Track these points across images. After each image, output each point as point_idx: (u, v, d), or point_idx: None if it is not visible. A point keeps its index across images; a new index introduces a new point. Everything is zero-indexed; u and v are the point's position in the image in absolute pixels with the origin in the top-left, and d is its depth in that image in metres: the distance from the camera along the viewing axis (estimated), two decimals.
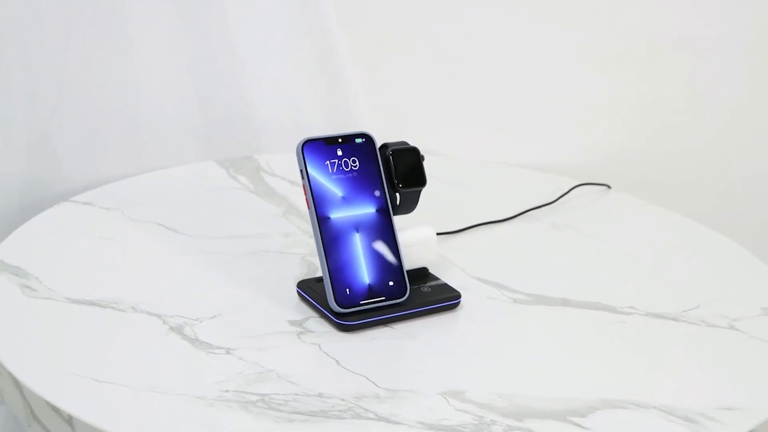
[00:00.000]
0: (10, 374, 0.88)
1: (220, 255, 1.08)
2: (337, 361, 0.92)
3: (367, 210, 0.98)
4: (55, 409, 0.84)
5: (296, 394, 0.87)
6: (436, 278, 1.03)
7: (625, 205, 1.27)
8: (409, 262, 1.02)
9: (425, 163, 1.04)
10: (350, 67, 1.38)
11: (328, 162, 0.98)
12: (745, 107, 1.33)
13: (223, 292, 1.01)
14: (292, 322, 0.97)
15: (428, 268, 1.04)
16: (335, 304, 0.95)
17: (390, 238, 0.99)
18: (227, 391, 0.87)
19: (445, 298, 1.00)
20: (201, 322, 0.96)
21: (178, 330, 0.95)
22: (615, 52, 1.35)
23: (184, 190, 1.23)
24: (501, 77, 1.39)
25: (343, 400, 0.87)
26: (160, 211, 1.17)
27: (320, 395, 0.87)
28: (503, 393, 0.89)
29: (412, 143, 1.39)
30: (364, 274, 0.97)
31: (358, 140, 0.99)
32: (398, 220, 1.02)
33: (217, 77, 1.35)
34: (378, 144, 1.01)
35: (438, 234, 1.13)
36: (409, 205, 1.02)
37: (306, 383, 0.89)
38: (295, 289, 1.01)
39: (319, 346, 0.94)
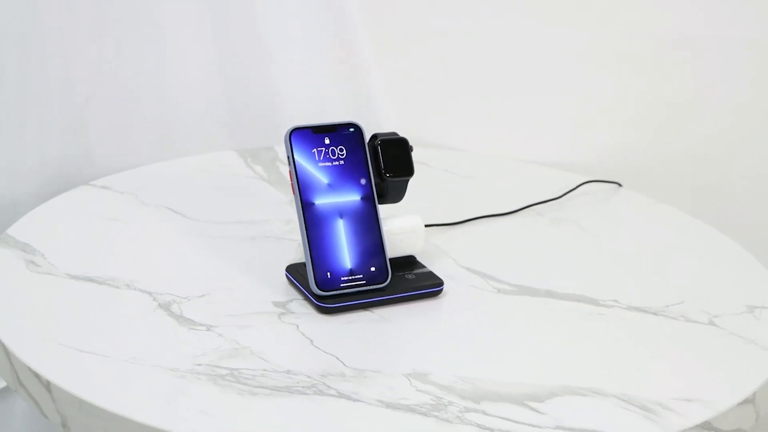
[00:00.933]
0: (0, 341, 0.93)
1: (221, 238, 1.12)
2: (311, 341, 0.96)
3: (352, 197, 1.01)
4: (36, 376, 0.89)
5: (265, 370, 0.91)
6: (423, 266, 1.06)
7: (632, 203, 1.28)
8: (396, 250, 1.05)
9: (414, 154, 1.06)
10: (372, 61, 1.41)
11: (315, 150, 1.01)
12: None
13: (216, 273, 1.06)
14: (276, 304, 1.01)
15: (416, 256, 1.07)
16: (315, 287, 0.99)
17: (374, 225, 1.02)
18: (200, 364, 0.91)
19: (427, 285, 1.03)
20: (189, 300, 1.00)
21: (165, 307, 0.99)
22: (636, 50, 1.36)
23: (200, 177, 1.28)
24: (521, 74, 1.41)
25: (309, 377, 0.90)
26: (173, 196, 1.21)
27: (288, 372, 0.91)
28: (466, 376, 0.91)
29: (431, 137, 1.43)
30: (346, 258, 1.00)
31: (347, 130, 1.02)
32: (388, 209, 1.06)
33: (243, 70, 1.39)
34: (368, 134, 1.04)
35: (437, 225, 1.16)
36: (396, 194, 1.05)
37: (277, 360, 0.92)
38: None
39: (297, 326, 0.98)
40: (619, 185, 1.32)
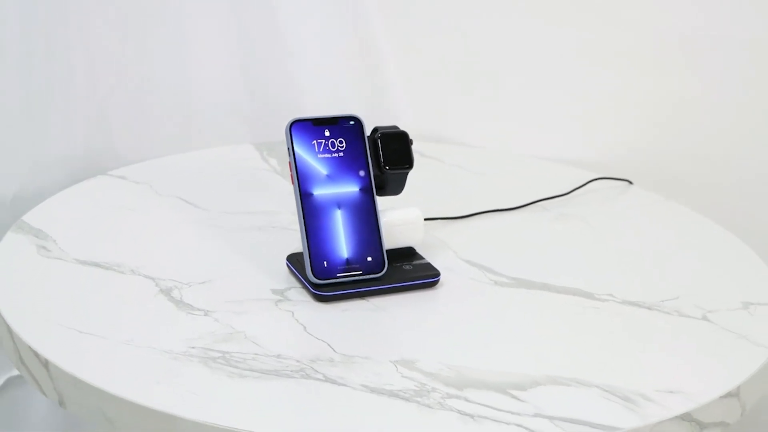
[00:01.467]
0: (5, 322, 0.97)
1: (228, 228, 1.15)
2: (304, 327, 0.98)
3: (350, 189, 1.04)
4: (36, 354, 0.92)
5: (256, 354, 0.93)
6: (421, 257, 1.08)
7: (641, 200, 1.29)
8: (396, 242, 1.07)
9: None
10: (389, 58, 1.44)
11: (315, 141, 1.03)
12: None
13: (220, 261, 1.08)
14: (275, 291, 1.03)
15: (416, 248, 1.09)
16: (312, 275, 1.01)
17: (372, 216, 1.04)
18: (194, 347, 0.94)
19: (423, 276, 1.05)
20: (190, 286, 1.03)
21: (166, 292, 1.02)
22: (651, 47, 1.37)
23: (215, 169, 1.31)
24: (537, 72, 1.42)
25: (298, 361, 0.92)
26: (186, 186, 1.24)
27: (278, 356, 0.93)
28: (453, 364, 0.93)
29: (446, 133, 1.45)
30: (343, 248, 1.02)
31: (347, 122, 1.05)
32: (390, 201, 1.08)
33: (263, 65, 1.42)
34: (368, 127, 1.06)
35: (437, 219, 1.18)
36: (396, 186, 1.07)
37: (269, 345, 0.95)
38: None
39: (293, 313, 1.00)
40: (630, 183, 1.32)
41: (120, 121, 1.37)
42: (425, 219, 1.11)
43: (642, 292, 1.07)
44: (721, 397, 0.91)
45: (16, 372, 1.29)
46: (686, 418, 0.89)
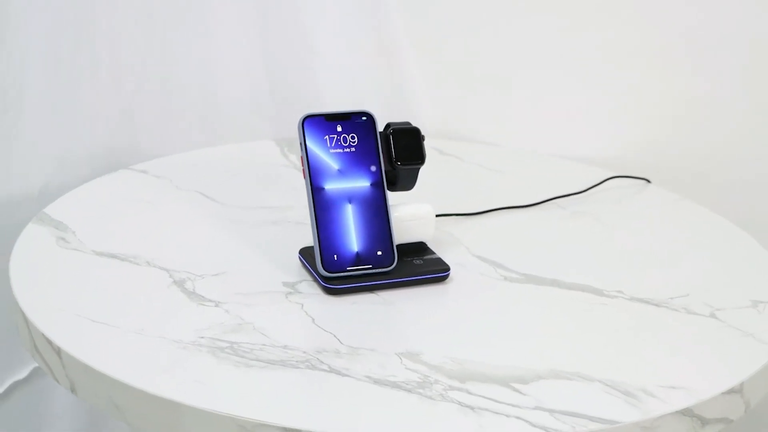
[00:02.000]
0: (21, 311, 0.99)
1: (244, 222, 1.17)
2: (313, 319, 0.99)
3: (361, 183, 1.05)
4: (49, 342, 0.94)
5: (263, 345, 0.95)
6: (432, 252, 1.09)
7: (658, 199, 1.29)
8: (406, 237, 1.08)
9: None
10: (410, 55, 1.45)
11: (327, 137, 1.05)
12: None
13: (234, 254, 1.10)
14: (286, 284, 1.05)
15: (427, 244, 1.10)
16: (322, 268, 1.02)
17: (382, 210, 1.05)
18: (203, 337, 0.95)
19: (433, 271, 1.06)
20: (204, 278, 1.05)
21: (180, 283, 1.04)
22: (674, 45, 1.37)
23: (235, 165, 1.33)
24: (560, 70, 1.43)
25: (304, 352, 0.94)
26: (206, 181, 1.26)
27: (285, 347, 0.95)
28: (457, 357, 0.94)
29: (466, 131, 1.46)
30: (353, 242, 1.04)
31: (359, 118, 1.06)
32: (402, 197, 1.09)
33: (285, 63, 1.44)
34: (380, 123, 1.07)
35: (449, 215, 1.19)
36: (407, 182, 1.08)
37: (276, 336, 0.96)
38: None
39: (302, 305, 1.01)
40: (648, 181, 1.32)
41: (144, 118, 1.39)
42: (438, 215, 1.12)
43: (652, 289, 1.07)
44: (723, 393, 0.91)
45: None
46: (687, 413, 0.89)
